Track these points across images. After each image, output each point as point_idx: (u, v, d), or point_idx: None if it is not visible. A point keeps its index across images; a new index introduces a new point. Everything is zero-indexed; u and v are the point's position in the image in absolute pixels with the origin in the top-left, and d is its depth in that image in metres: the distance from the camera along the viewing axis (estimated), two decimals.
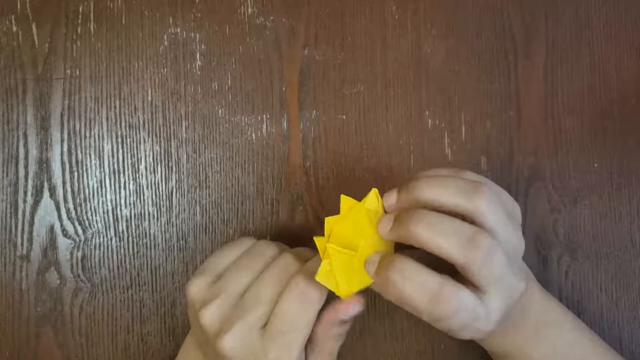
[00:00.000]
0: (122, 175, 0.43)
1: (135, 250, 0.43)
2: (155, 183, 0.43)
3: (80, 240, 0.43)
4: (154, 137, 0.44)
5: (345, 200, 0.34)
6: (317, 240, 0.34)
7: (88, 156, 0.43)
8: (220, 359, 0.33)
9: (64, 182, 0.43)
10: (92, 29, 0.44)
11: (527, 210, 0.44)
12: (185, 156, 0.44)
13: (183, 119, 0.44)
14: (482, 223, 0.31)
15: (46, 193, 0.43)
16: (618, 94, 0.44)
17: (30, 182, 0.43)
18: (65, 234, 0.43)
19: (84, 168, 0.43)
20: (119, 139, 0.44)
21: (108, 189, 0.43)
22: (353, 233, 0.33)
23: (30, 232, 0.43)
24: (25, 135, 0.43)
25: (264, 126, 0.44)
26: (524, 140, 0.44)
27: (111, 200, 0.43)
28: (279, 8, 0.44)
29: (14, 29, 0.43)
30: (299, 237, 0.43)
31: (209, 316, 0.33)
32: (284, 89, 0.44)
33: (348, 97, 0.44)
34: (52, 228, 0.43)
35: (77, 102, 0.43)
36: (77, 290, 0.43)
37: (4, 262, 0.43)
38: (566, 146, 0.44)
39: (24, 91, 0.43)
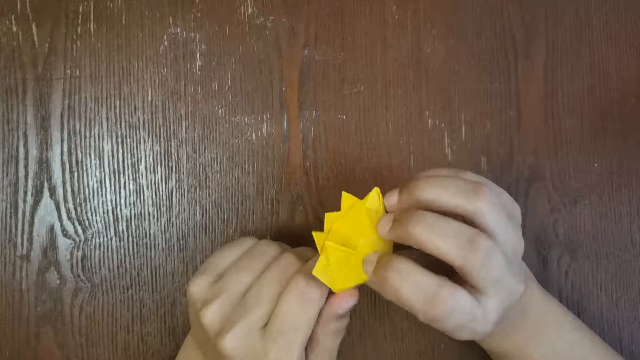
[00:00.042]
0: (122, 175, 0.43)
1: (135, 250, 0.43)
2: (155, 183, 0.43)
3: (80, 240, 0.43)
4: (154, 137, 0.44)
5: (347, 198, 0.34)
6: (316, 235, 0.34)
7: (88, 156, 0.43)
8: (220, 359, 0.33)
9: (64, 182, 0.43)
10: (92, 29, 0.44)
11: (527, 210, 0.44)
12: (185, 156, 0.44)
13: (183, 119, 0.44)
14: (482, 224, 0.31)
15: (46, 193, 0.43)
16: (618, 94, 0.44)
17: (30, 182, 0.43)
18: (65, 234, 0.43)
19: (84, 168, 0.43)
20: (119, 139, 0.44)
21: (108, 189, 0.43)
22: (352, 231, 0.33)
23: (30, 232, 0.43)
24: (25, 135, 0.43)
25: (264, 126, 0.44)
26: (524, 140, 0.44)
27: (111, 200, 0.43)
28: (279, 8, 0.44)
29: (14, 29, 0.43)
30: (299, 237, 0.43)
31: (210, 316, 0.33)
32: (284, 89, 0.44)
33: (348, 97, 0.44)
34: (52, 228, 0.43)
35: (77, 102, 0.43)
36: (77, 290, 0.43)
37: (4, 262, 0.43)
38: (566, 146, 0.44)
39: (24, 91, 0.43)
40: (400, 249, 0.34)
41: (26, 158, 0.43)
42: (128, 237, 0.43)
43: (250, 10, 0.44)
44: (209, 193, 0.44)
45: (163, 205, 0.43)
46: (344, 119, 0.44)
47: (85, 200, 0.43)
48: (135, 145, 0.44)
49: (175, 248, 0.43)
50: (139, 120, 0.44)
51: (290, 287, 0.33)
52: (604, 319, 0.43)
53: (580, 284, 0.43)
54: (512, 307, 0.33)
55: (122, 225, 0.43)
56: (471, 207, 0.31)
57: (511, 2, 0.44)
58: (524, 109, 0.44)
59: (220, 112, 0.44)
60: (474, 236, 0.30)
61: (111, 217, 0.43)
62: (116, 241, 0.43)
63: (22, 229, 0.43)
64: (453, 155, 0.44)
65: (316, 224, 0.44)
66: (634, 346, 0.43)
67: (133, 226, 0.43)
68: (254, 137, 0.44)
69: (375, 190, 0.33)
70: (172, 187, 0.44)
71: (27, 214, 0.43)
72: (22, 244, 0.43)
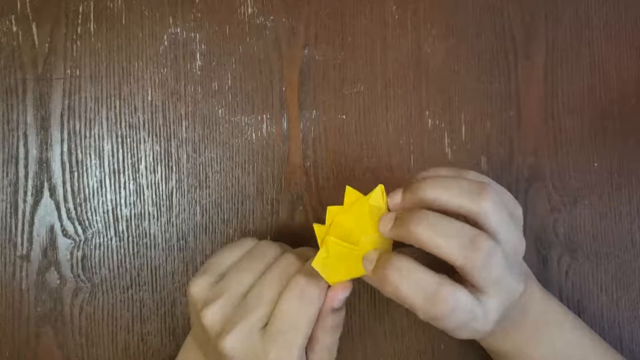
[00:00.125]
0: (122, 175, 0.43)
1: (135, 250, 0.43)
2: (155, 183, 0.43)
3: (80, 240, 0.43)
4: (154, 137, 0.44)
5: (350, 192, 0.34)
6: (317, 227, 0.34)
7: (88, 156, 0.43)
8: (221, 359, 0.33)
9: (64, 182, 0.43)
10: (92, 29, 0.44)
11: (527, 210, 0.44)
12: (185, 156, 0.44)
13: (183, 119, 0.44)
14: (485, 224, 0.31)
15: (46, 193, 0.43)
16: (618, 94, 0.44)
17: (30, 182, 0.43)
18: (65, 234, 0.43)
19: (84, 168, 0.43)
20: (119, 139, 0.43)
21: (108, 189, 0.43)
22: (354, 226, 0.33)
23: (30, 232, 0.43)
24: (25, 135, 0.43)
25: (264, 126, 0.44)
26: (524, 140, 0.44)
27: (111, 200, 0.43)
28: (279, 8, 0.44)
29: (14, 29, 0.43)
30: (299, 237, 0.43)
31: (211, 316, 0.33)
32: (284, 89, 0.44)
33: (348, 97, 0.44)
34: (52, 228, 0.43)
35: (77, 102, 0.43)
36: (77, 290, 0.43)
37: (4, 262, 0.43)
38: (566, 146, 0.44)
39: (24, 91, 0.43)
40: (400, 246, 0.34)
41: (26, 158, 0.43)
42: (128, 237, 0.43)
43: (250, 10, 0.44)
44: (209, 193, 0.44)
45: (163, 205, 0.43)
46: (344, 119, 0.44)
47: (85, 200, 0.43)
48: (135, 145, 0.44)
49: (176, 248, 0.43)
50: (139, 120, 0.44)
51: (290, 287, 0.33)
52: (604, 319, 0.43)
53: (581, 284, 0.43)
54: (512, 307, 0.33)
55: (122, 225, 0.43)
56: (475, 208, 0.31)
57: (511, 2, 0.45)
58: (524, 109, 0.44)
59: (220, 112, 0.44)
60: (475, 236, 0.30)
61: (111, 217, 0.43)
62: (116, 241, 0.43)
63: (22, 229, 0.43)
64: (453, 155, 0.44)
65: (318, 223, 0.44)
66: (634, 345, 0.43)
67: (133, 226, 0.43)
68: (254, 137, 0.44)
69: (380, 188, 0.33)
70: (172, 187, 0.43)
71: (27, 214, 0.43)
72: (22, 244, 0.43)
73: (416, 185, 0.33)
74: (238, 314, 0.33)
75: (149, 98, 0.44)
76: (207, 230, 0.44)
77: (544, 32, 0.45)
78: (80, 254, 0.43)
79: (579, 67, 0.44)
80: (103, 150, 0.43)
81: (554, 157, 0.44)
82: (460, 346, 0.43)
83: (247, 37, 0.44)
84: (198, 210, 0.43)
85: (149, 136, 0.44)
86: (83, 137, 0.43)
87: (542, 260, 0.44)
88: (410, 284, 0.30)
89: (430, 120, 0.44)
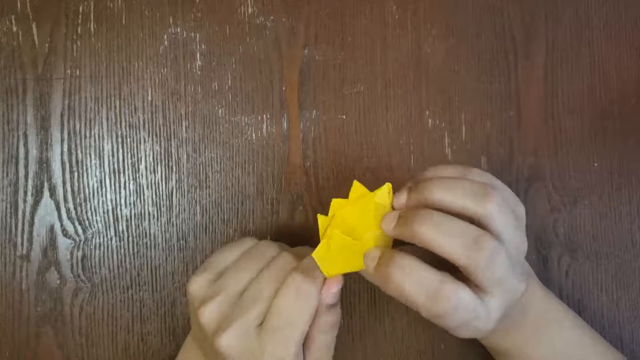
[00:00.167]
0: (122, 175, 0.43)
1: (135, 250, 0.43)
2: (155, 183, 0.43)
3: (80, 240, 0.43)
4: (154, 137, 0.44)
5: (357, 187, 0.34)
6: (320, 218, 0.34)
7: (88, 156, 0.43)
8: (218, 357, 0.33)
9: (64, 182, 0.43)
10: (92, 29, 0.44)
11: (527, 210, 0.43)
12: (185, 156, 0.44)
13: (183, 119, 0.44)
14: (489, 226, 0.31)
15: (46, 193, 0.43)
16: (618, 94, 0.44)
17: (30, 182, 0.43)
18: (65, 233, 0.43)
19: (84, 168, 0.43)
20: (119, 139, 0.44)
21: (108, 189, 0.43)
22: (357, 221, 0.33)
23: (30, 232, 0.43)
24: (25, 135, 0.43)
25: (264, 126, 0.44)
26: (524, 140, 0.44)
27: (111, 200, 0.43)
28: (279, 8, 0.44)
29: (14, 29, 0.43)
30: (299, 237, 0.43)
31: (208, 314, 0.33)
32: (284, 89, 0.44)
33: (348, 97, 0.44)
34: (52, 228, 0.43)
35: (77, 102, 0.43)
36: (77, 290, 0.43)
37: (4, 262, 0.43)
38: (566, 146, 0.44)
39: (24, 91, 0.43)
40: (400, 244, 0.34)
41: (26, 158, 0.43)
42: (128, 237, 0.43)
43: (250, 10, 0.44)
44: (209, 193, 0.44)
45: (163, 205, 0.43)
46: (344, 119, 0.44)
47: (85, 200, 0.43)
48: (135, 145, 0.44)
49: (176, 248, 0.43)
50: (139, 120, 0.44)
51: (286, 283, 0.33)
52: (605, 319, 0.43)
53: (581, 284, 0.43)
54: (514, 306, 0.33)
55: (122, 225, 0.43)
56: (480, 209, 0.31)
57: (511, 2, 0.45)
58: (524, 109, 0.44)
59: (220, 112, 0.44)
60: (479, 236, 0.30)
61: (111, 217, 0.43)
62: (116, 241, 0.43)
63: (22, 229, 0.43)
64: (453, 155, 0.44)
65: (316, 224, 0.43)
66: (634, 345, 0.43)
67: (133, 226, 0.43)
68: (254, 137, 0.44)
69: (387, 186, 0.34)
70: (172, 187, 0.43)
71: (27, 214, 0.43)
72: (22, 244, 0.43)
73: (422, 185, 0.33)
74: (235, 312, 0.33)
75: (149, 98, 0.44)
76: (207, 230, 0.44)
77: (544, 32, 0.45)
78: (80, 254, 0.43)
79: (579, 67, 0.44)
80: (103, 150, 0.43)
81: (554, 157, 0.44)
82: (460, 346, 0.43)
83: (247, 37, 0.44)
84: (198, 210, 0.43)
85: (149, 136, 0.44)
86: (83, 137, 0.43)
87: (542, 260, 0.44)
88: (413, 281, 0.30)
89: (430, 120, 0.44)
